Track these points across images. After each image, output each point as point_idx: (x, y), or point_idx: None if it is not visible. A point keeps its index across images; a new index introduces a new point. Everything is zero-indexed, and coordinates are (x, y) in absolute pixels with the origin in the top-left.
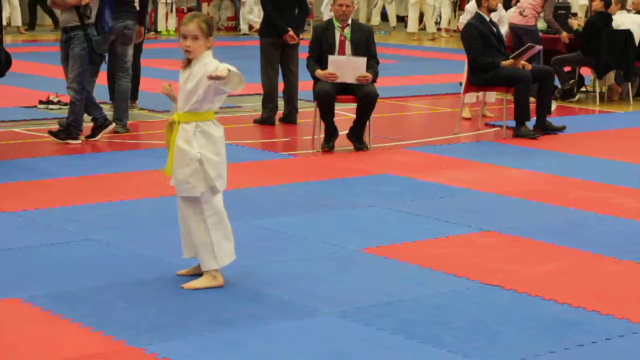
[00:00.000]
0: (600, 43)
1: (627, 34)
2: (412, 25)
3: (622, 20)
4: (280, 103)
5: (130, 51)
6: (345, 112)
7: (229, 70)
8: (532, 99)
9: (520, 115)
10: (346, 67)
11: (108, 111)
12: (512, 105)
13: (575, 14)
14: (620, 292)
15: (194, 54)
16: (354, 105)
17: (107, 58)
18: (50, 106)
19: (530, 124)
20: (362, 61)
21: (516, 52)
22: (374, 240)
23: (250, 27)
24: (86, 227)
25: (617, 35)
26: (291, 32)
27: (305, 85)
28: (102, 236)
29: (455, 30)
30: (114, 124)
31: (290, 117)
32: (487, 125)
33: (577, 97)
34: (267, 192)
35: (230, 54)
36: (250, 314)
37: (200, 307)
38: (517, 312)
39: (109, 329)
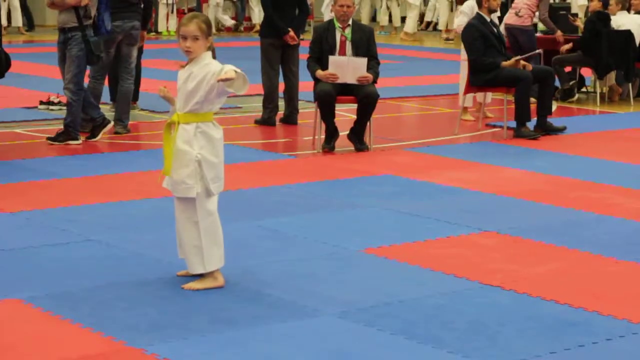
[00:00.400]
0: (600, 43)
1: (628, 34)
2: (411, 25)
3: (622, 20)
4: (281, 103)
5: (135, 52)
6: (345, 113)
7: (235, 71)
8: (532, 100)
9: (521, 115)
10: (347, 67)
11: (109, 112)
12: (513, 106)
13: (575, 15)
14: (621, 293)
15: (195, 55)
16: (354, 106)
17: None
18: (51, 107)
19: (531, 124)
20: (363, 62)
21: (523, 56)
22: (375, 241)
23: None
24: (87, 228)
25: (618, 35)
26: (291, 33)
27: (305, 85)
28: (102, 237)
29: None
30: (112, 123)
31: (290, 118)
32: (487, 125)
33: (576, 97)
34: (267, 192)
35: (231, 55)
36: (251, 314)
37: (200, 307)
38: (518, 312)
39: (109, 329)
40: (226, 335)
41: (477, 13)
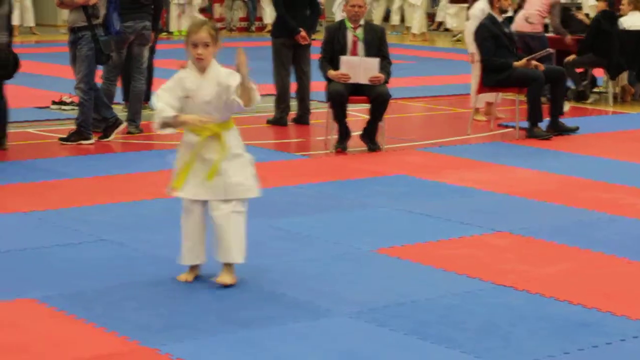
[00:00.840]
0: (612, 44)
1: (639, 35)
2: (417, 26)
3: (633, 20)
4: (293, 104)
5: (146, 52)
6: (358, 113)
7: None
8: (542, 100)
9: (533, 116)
10: (359, 67)
11: (121, 112)
12: (525, 106)
13: (587, 15)
14: (634, 293)
15: (206, 62)
16: (366, 106)
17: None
18: (63, 107)
19: (543, 124)
20: (375, 62)
21: (534, 55)
22: (387, 241)
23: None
24: (99, 228)
25: (630, 36)
26: (303, 33)
27: (317, 85)
28: (115, 237)
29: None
30: (125, 123)
31: (302, 118)
32: (499, 126)
33: (591, 99)
34: (280, 192)
35: None
36: (264, 314)
37: (214, 307)
38: (530, 312)
39: (123, 329)
40: (239, 335)
41: (489, 13)
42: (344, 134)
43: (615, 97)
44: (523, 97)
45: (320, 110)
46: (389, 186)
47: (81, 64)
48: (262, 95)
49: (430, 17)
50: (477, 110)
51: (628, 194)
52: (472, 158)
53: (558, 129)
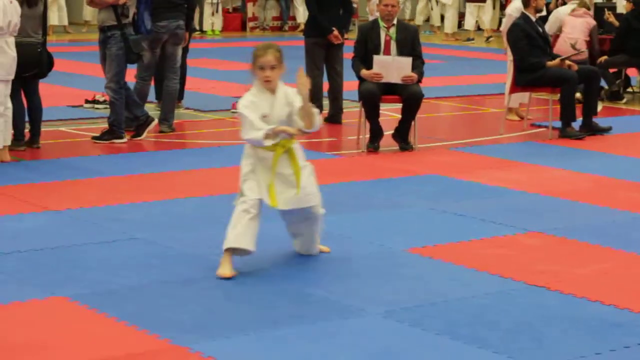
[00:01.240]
0: None
1: None
2: (449, 26)
3: None
4: (325, 103)
5: (180, 52)
6: (390, 112)
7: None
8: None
9: (566, 115)
10: (391, 67)
11: (154, 111)
12: (558, 106)
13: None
14: None
15: (274, 84)
16: (399, 105)
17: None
18: (97, 105)
19: (576, 124)
20: (408, 61)
21: (568, 56)
22: (419, 241)
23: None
24: (132, 226)
25: None
26: (336, 32)
27: (350, 85)
28: (147, 235)
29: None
30: (156, 120)
31: (335, 117)
32: (532, 125)
33: (624, 100)
34: None
35: None
36: (295, 313)
37: (245, 306)
38: (563, 313)
39: (154, 327)
40: (270, 334)
41: (523, 12)
42: (376, 133)
43: None
44: (556, 97)
45: (352, 109)
46: (421, 186)
47: (111, 64)
48: None
49: (463, 15)
50: (510, 110)
51: None
52: (505, 158)
53: (591, 129)
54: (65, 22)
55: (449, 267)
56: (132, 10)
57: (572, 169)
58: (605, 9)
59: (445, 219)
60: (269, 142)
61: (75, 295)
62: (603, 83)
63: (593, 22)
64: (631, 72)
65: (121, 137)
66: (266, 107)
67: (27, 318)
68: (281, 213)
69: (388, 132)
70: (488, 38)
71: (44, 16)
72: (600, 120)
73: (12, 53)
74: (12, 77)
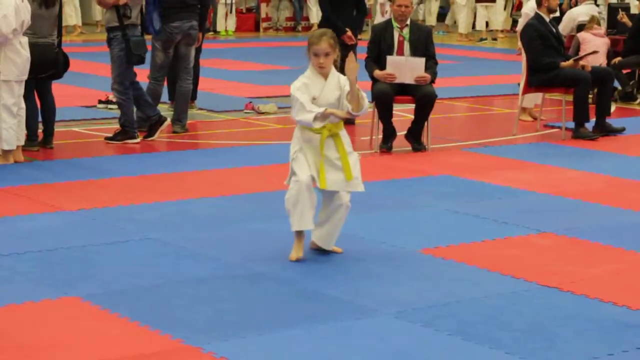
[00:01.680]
0: None
1: None
2: (463, 26)
3: None
4: None
5: (193, 52)
6: (403, 113)
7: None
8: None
9: (580, 116)
10: (405, 67)
11: (167, 111)
12: (571, 106)
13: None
14: None
15: (328, 70)
16: (412, 106)
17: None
18: (110, 106)
19: (590, 125)
20: (421, 62)
21: (581, 56)
22: (432, 241)
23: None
24: (145, 226)
25: None
26: (349, 33)
27: (363, 85)
28: (160, 235)
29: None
30: (168, 120)
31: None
32: (545, 126)
33: (638, 100)
34: None
35: (289, 54)
36: (308, 313)
37: (257, 306)
38: (576, 314)
39: (166, 327)
40: (283, 334)
41: (536, 13)
42: (389, 133)
43: None
44: (570, 98)
45: None
46: (433, 186)
47: (113, 65)
48: None
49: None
50: (523, 110)
51: None
52: (518, 158)
53: (604, 130)
54: (79, 22)
55: (461, 267)
56: (135, 11)
57: (585, 169)
58: (619, 9)
59: (457, 220)
60: (318, 124)
61: (87, 295)
62: (616, 84)
63: (609, 42)
64: None
65: (134, 137)
66: (317, 91)
67: (40, 318)
68: (323, 194)
69: (401, 132)
70: (494, 38)
71: (59, 17)
72: (613, 121)
73: (26, 53)
74: (25, 77)
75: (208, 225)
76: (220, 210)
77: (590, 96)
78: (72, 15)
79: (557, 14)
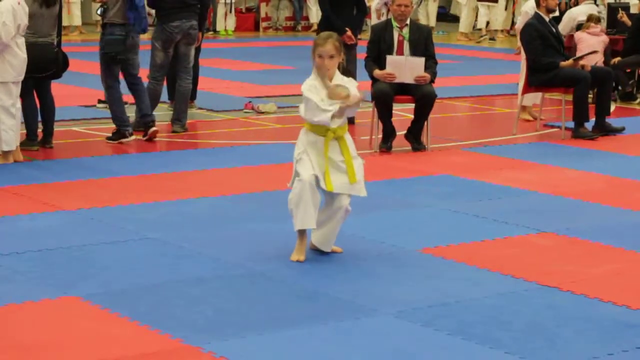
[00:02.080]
0: None
1: None
2: (464, 25)
3: None
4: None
5: (193, 52)
6: (403, 113)
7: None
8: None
9: (579, 116)
10: (404, 67)
11: (167, 111)
12: (571, 106)
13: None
14: None
15: (332, 72)
16: (412, 106)
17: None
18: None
19: (589, 125)
20: (421, 61)
21: (581, 56)
22: (432, 241)
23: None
24: (144, 226)
25: None
26: (349, 32)
27: (363, 85)
28: (160, 234)
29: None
30: (133, 136)
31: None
32: (545, 126)
33: (638, 100)
34: None
35: (289, 54)
36: (308, 312)
37: (257, 305)
38: (575, 313)
39: (166, 327)
40: (283, 334)
41: (536, 12)
42: (389, 133)
43: None
44: (569, 97)
45: (365, 109)
46: (433, 186)
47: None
48: None
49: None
50: (523, 110)
51: None
52: (518, 158)
53: (604, 130)
54: (79, 22)
55: (461, 267)
56: (112, 10)
57: (584, 169)
58: (619, 9)
59: (457, 219)
60: (336, 122)
61: (87, 294)
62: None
63: (607, 40)
64: None
65: (124, 136)
66: (322, 93)
67: (40, 318)
68: (326, 195)
69: (401, 132)
70: (491, 38)
71: (59, 16)
72: (613, 121)
73: (23, 54)
74: (22, 77)
75: (208, 225)
76: (220, 210)
77: (590, 96)
78: (78, 15)
79: (557, 13)
